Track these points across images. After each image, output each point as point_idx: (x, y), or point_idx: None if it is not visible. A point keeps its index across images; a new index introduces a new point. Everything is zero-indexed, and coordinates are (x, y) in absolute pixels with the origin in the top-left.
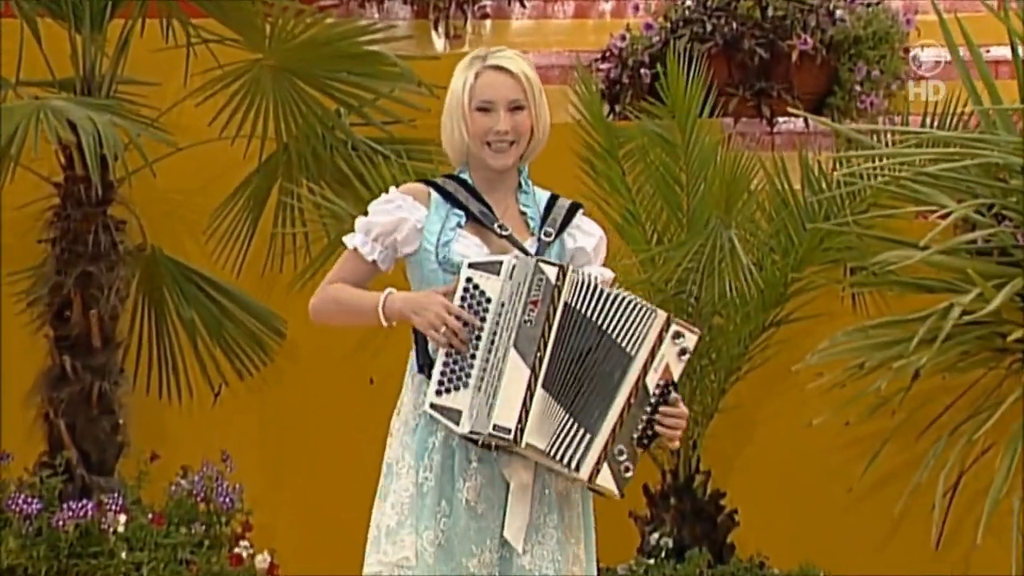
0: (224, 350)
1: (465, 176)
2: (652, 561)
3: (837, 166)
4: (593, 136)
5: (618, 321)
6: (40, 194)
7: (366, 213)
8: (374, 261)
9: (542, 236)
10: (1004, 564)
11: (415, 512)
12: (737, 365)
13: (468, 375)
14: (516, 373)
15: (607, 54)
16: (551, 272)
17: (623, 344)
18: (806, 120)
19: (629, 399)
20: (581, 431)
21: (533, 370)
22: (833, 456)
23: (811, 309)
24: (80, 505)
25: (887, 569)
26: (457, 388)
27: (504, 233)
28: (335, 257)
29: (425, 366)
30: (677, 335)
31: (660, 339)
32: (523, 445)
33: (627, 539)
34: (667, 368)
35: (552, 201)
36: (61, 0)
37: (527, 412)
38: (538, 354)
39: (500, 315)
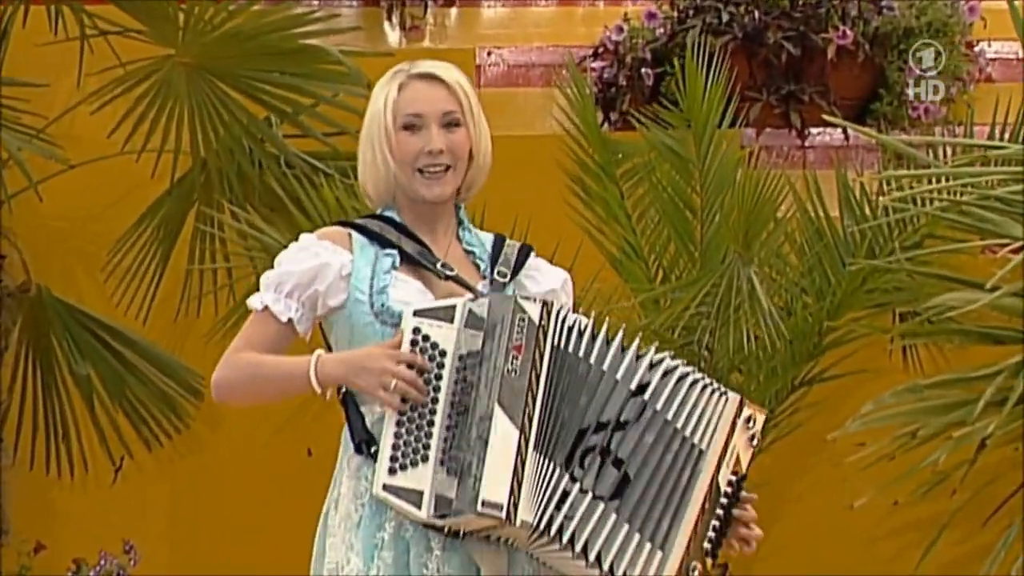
0: (127, 414)
1: (392, 214)
2: None
3: (884, 188)
4: (584, 150)
5: (679, 405)
6: None
7: (272, 266)
8: (290, 320)
9: (495, 277)
10: None
11: None
12: (761, 433)
13: (427, 446)
14: (503, 436)
15: (600, 50)
16: (533, 309)
17: (683, 430)
18: (845, 131)
19: (704, 503)
20: (648, 545)
21: (523, 431)
22: (879, 545)
23: (851, 364)
24: None
25: None
26: (415, 464)
27: (449, 274)
28: None
29: (363, 443)
30: (749, 419)
31: (733, 427)
32: (517, 523)
33: None
34: (738, 459)
35: (500, 241)
36: None
37: (519, 484)
38: (527, 412)
39: (462, 369)
